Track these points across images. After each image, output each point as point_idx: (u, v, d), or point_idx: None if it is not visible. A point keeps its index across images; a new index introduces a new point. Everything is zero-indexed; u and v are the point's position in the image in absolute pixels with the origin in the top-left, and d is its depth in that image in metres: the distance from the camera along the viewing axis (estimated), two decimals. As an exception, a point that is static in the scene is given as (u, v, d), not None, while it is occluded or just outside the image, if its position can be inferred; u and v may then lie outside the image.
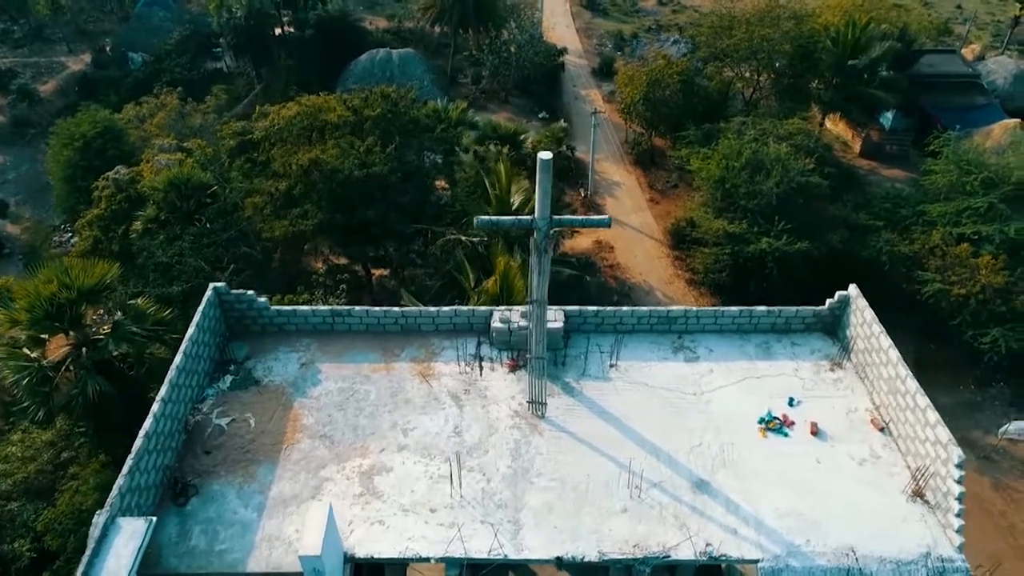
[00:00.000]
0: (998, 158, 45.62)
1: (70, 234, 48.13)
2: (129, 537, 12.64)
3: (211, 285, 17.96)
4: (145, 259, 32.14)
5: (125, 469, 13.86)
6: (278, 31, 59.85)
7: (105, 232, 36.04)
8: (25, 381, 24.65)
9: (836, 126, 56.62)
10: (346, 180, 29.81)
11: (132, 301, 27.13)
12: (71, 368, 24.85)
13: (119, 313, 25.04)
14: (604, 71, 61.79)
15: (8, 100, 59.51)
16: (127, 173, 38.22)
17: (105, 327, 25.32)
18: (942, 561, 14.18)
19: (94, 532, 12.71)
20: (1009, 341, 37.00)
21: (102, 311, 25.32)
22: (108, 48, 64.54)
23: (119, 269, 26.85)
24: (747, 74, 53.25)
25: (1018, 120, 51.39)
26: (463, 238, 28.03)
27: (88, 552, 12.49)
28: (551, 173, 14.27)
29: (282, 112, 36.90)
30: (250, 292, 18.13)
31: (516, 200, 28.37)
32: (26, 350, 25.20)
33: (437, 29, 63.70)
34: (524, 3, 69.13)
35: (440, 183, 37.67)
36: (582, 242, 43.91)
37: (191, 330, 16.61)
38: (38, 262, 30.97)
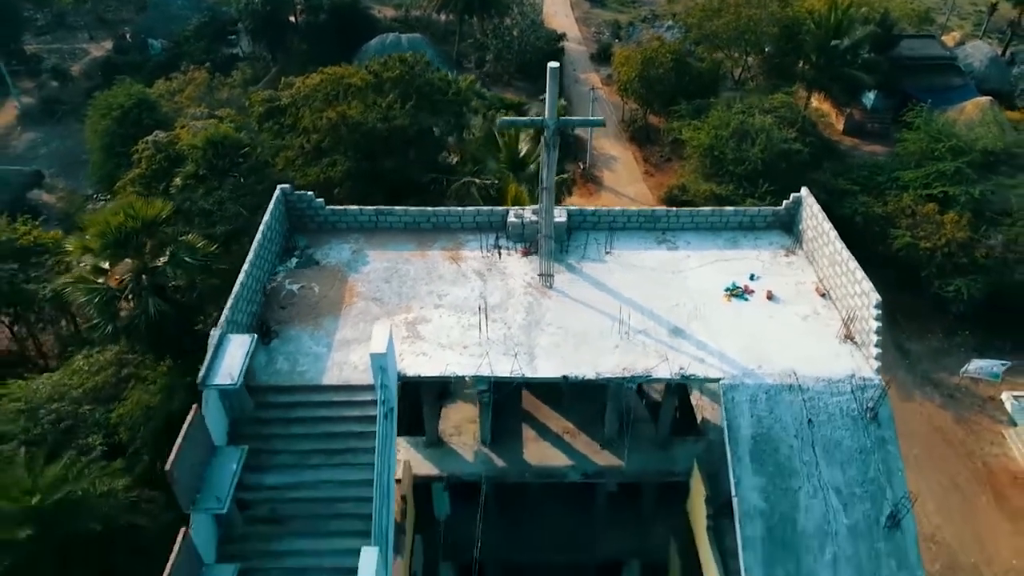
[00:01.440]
0: (968, 130, 50.54)
1: (103, 202, 52.64)
2: (238, 346, 17.13)
3: (279, 186, 22.52)
4: (188, 207, 36.54)
5: (228, 305, 18.34)
6: (292, 18, 64.58)
7: (147, 189, 40.45)
8: (96, 301, 29.11)
9: (821, 105, 61.39)
10: (369, 132, 34.40)
11: (183, 237, 31.65)
12: (130, 296, 29.35)
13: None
14: (601, 56, 66.68)
15: (36, 83, 64.08)
16: (165, 136, 42.70)
17: (162, 258, 29.79)
18: (863, 380, 18.72)
19: (212, 343, 17.18)
20: (971, 289, 41.66)
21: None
22: (128, 35, 69.30)
23: (171, 208, 31.50)
24: (736, 55, 58.07)
25: (990, 98, 56.26)
26: (476, 181, 32.56)
27: (208, 356, 16.96)
28: (558, 81, 18.89)
29: (307, 81, 41.51)
30: (309, 192, 22.70)
31: (523, 148, 33.01)
32: (91, 278, 29.78)
33: (443, 17, 68.53)
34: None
35: (450, 148, 42.20)
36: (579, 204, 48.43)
37: (265, 218, 21.15)
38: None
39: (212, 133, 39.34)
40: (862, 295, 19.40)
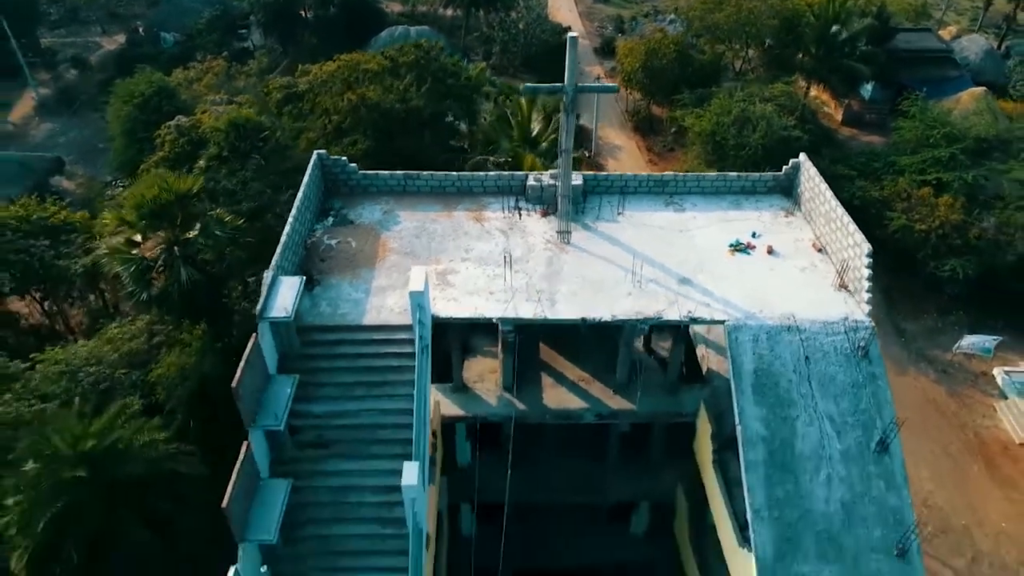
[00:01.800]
0: (963, 119, 52.69)
1: (121, 188, 54.59)
2: (289, 286, 19.16)
3: (315, 152, 24.57)
4: (213, 187, 38.54)
5: (277, 253, 20.35)
6: (303, 12, 66.67)
7: (171, 171, 42.47)
8: (131, 271, 31.15)
9: (820, 96, 63.53)
10: (387, 113, 36.46)
11: (211, 212, 33.63)
12: (162, 266, 31.31)
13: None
14: (605, 50, 68.82)
15: (52, 75, 66.11)
16: (187, 120, 44.71)
17: (193, 231, 31.72)
18: (855, 322, 20.77)
19: (265, 283, 19.19)
20: (965, 269, 43.67)
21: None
22: (141, 29, 71.36)
23: (202, 183, 33.55)
24: (736, 47, 60.21)
25: (984, 88, 58.43)
26: (491, 159, 34.59)
27: (263, 295, 18.97)
28: (577, 49, 20.98)
29: (323, 68, 43.59)
30: (343, 158, 24.75)
31: (536, 128, 35.09)
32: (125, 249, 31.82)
33: (450, 12, 70.67)
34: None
35: (462, 134, 44.18)
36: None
37: (304, 180, 23.17)
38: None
39: (235, 116, 41.40)
40: (855, 246, 21.44)
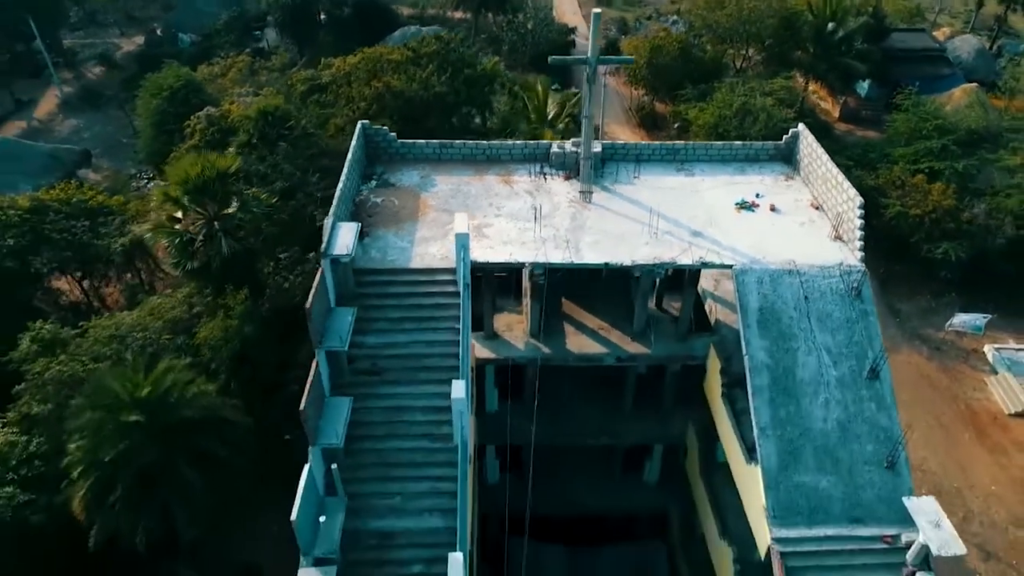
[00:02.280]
0: (955, 113, 55.78)
1: (146, 180, 57.50)
2: (347, 230, 21.95)
3: (360, 123, 27.40)
4: (247, 169, 41.35)
5: (333, 204, 23.10)
6: (319, 13, 69.80)
7: (205, 156, 45.25)
8: (176, 242, 33.98)
9: (818, 92, 66.62)
10: (411, 99, 39.33)
11: (247, 191, 36.41)
12: (203, 239, 34.05)
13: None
14: (610, 51, 71.83)
15: (74, 74, 69.08)
16: (217, 111, 47.57)
17: (231, 206, 34.46)
18: (849, 267, 23.58)
19: (326, 228, 21.94)
20: (957, 251, 46.44)
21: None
22: (158, 30, 74.44)
23: (239, 163, 36.47)
24: (737, 45, 63.36)
25: (976, 84, 61.57)
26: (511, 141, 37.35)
27: (326, 237, 21.72)
28: (600, 23, 23.85)
29: (347, 60, 46.55)
30: (384, 127, 27.58)
31: (551, 111, 37.99)
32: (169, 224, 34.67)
33: (459, 14, 73.85)
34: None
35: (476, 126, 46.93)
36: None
37: (352, 145, 25.95)
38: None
39: (264, 104, 44.32)
40: (848, 201, 24.29)
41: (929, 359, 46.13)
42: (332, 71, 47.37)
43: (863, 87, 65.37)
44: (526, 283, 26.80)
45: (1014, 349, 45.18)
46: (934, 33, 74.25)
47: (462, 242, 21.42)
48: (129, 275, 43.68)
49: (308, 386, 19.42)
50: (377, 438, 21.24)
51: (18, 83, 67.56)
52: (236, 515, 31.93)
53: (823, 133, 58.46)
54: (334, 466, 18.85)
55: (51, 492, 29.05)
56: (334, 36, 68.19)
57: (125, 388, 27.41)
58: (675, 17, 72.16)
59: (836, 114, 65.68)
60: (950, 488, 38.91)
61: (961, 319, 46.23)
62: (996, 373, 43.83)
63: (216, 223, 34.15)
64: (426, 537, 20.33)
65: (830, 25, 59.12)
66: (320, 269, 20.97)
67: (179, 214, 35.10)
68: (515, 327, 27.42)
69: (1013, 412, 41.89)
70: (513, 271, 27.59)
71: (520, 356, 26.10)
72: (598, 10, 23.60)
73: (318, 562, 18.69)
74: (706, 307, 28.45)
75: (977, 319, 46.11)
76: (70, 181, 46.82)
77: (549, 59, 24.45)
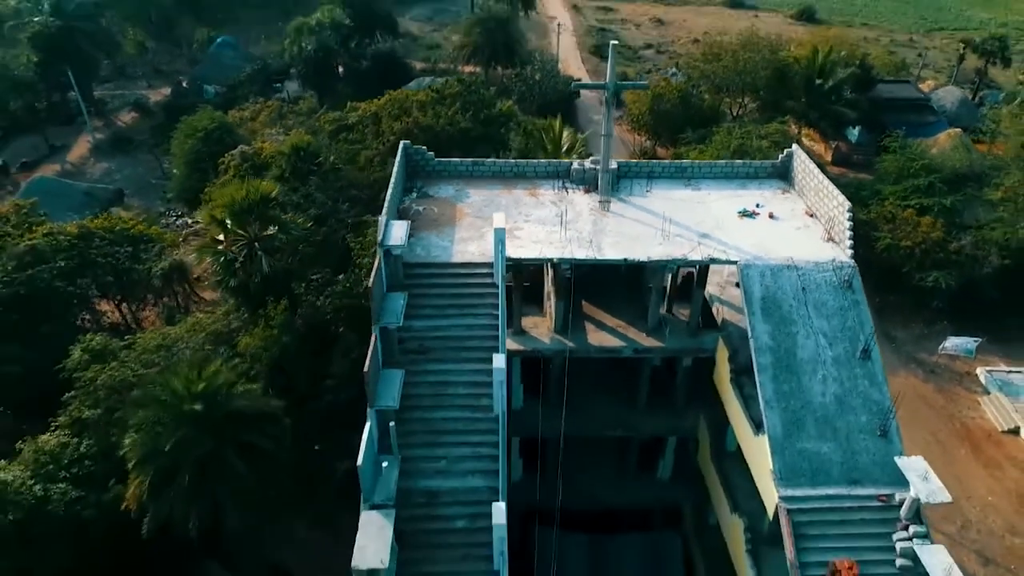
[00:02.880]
0: (941, 155, 59.91)
1: (175, 217, 61.08)
2: (400, 226, 25.24)
3: (402, 143, 30.95)
4: (282, 199, 44.87)
5: (384, 208, 26.40)
6: (338, 67, 74.61)
7: (238, 191, 48.78)
8: (220, 261, 37.28)
9: (811, 136, 70.97)
10: (438, 133, 43.11)
11: (285, 216, 39.82)
12: (243, 259, 37.30)
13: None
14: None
15: (103, 122, 73.38)
16: (250, 148, 51.41)
17: (271, 229, 37.83)
18: (841, 263, 26.84)
19: (381, 225, 25.20)
20: (946, 280, 49.75)
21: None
22: (184, 82, 79.13)
23: (279, 189, 39.99)
24: (733, 94, 67.89)
25: (960, 129, 65.94)
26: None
27: (381, 230, 24.95)
28: (615, 54, 27.58)
29: (374, 102, 50.64)
30: (423, 147, 31.12)
31: (566, 144, 41.74)
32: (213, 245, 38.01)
33: (469, 67, 78.66)
34: (542, 48, 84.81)
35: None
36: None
37: (397, 160, 29.43)
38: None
39: (297, 141, 48.16)
40: (838, 207, 27.69)
41: (925, 381, 48.95)
42: (359, 112, 51.37)
43: (853, 133, 69.77)
44: (549, 287, 29.95)
45: (1005, 371, 48.07)
46: (920, 86, 79.19)
47: (499, 236, 24.67)
48: (166, 298, 46.77)
49: (368, 357, 22.40)
50: (424, 408, 24.09)
51: (51, 130, 71.74)
52: (276, 512, 34.25)
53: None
54: (392, 423, 21.67)
55: (100, 490, 31.48)
56: (353, 87, 72.62)
57: (182, 383, 30.20)
58: (674, 70, 77.01)
59: (829, 158, 69.79)
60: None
61: (953, 343, 49.14)
62: (988, 393, 46.60)
63: (257, 244, 37.40)
64: (469, 495, 23.04)
65: (820, 77, 63.70)
66: (376, 259, 24.13)
67: (221, 236, 38.38)
68: (540, 326, 30.44)
69: (1006, 429, 44.53)
70: (538, 282, 30.84)
71: (546, 349, 29.07)
72: (615, 41, 27.37)
73: (376, 508, 21.29)
74: (713, 310, 31.52)
75: (968, 343, 49.01)
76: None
77: (572, 85, 28.18)
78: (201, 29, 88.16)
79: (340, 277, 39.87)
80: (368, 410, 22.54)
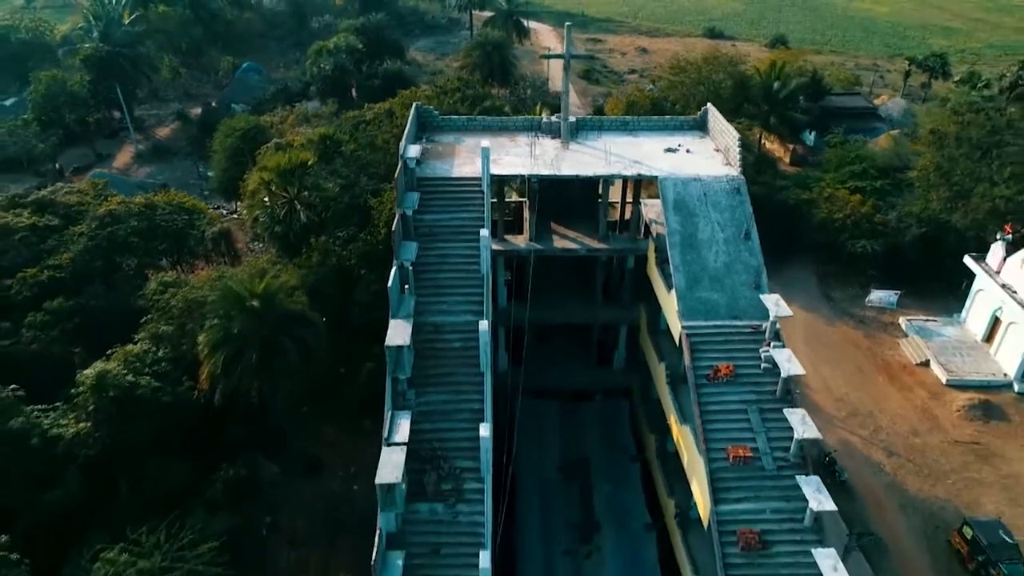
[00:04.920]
0: (878, 150, 72.51)
1: (214, 208, 73.43)
2: (415, 148, 37.55)
3: (414, 104, 43.39)
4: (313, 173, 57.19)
5: (403, 141, 38.67)
6: (351, 85, 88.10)
7: (274, 174, 61.05)
8: (268, 213, 49.55)
9: (772, 145, 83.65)
10: (441, 120, 55.78)
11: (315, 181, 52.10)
12: (286, 214, 49.55)
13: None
14: (598, 113, 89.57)
15: (143, 136, 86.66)
16: (283, 140, 64.05)
17: (307, 191, 50.13)
18: (733, 177, 38.99)
19: (402, 148, 37.43)
20: (873, 246, 61.49)
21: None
22: (213, 102, 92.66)
23: (315, 159, 52.45)
24: (698, 102, 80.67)
25: (898, 131, 78.62)
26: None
27: (401, 150, 37.19)
28: (571, 33, 40.21)
29: (387, 102, 63.49)
30: (430, 107, 43.59)
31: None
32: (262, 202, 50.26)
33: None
34: (535, 73, 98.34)
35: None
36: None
37: (410, 117, 41.80)
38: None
39: (324, 131, 60.81)
40: (733, 140, 39.99)
41: (855, 329, 60.49)
42: (375, 110, 64.20)
43: (809, 138, 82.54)
44: (526, 213, 42.05)
45: (922, 319, 59.53)
46: (875, 100, 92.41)
47: (485, 154, 36.92)
48: (214, 260, 58.85)
49: (395, 224, 34.44)
50: (432, 271, 36.00)
51: (98, 141, 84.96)
52: (315, 396, 45.51)
53: (771, 166, 75.16)
54: (409, 264, 33.52)
55: (174, 384, 42.56)
56: (366, 102, 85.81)
57: (245, 287, 41.90)
58: (651, 86, 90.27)
59: (787, 159, 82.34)
60: (864, 411, 52.44)
61: (877, 295, 60.98)
62: (907, 336, 57.92)
63: (296, 201, 49.75)
64: (463, 326, 34.75)
65: (775, 85, 76.73)
66: (398, 168, 36.38)
67: (266, 199, 50.63)
68: (519, 239, 42.54)
69: (918, 362, 55.79)
70: (519, 216, 43.05)
71: (523, 249, 41.13)
72: (569, 23, 40.06)
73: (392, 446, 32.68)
74: (651, 230, 43.55)
75: (890, 295, 60.84)
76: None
77: (540, 55, 40.66)
78: (226, 58, 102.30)
79: (362, 234, 51.78)
80: (394, 263, 34.36)
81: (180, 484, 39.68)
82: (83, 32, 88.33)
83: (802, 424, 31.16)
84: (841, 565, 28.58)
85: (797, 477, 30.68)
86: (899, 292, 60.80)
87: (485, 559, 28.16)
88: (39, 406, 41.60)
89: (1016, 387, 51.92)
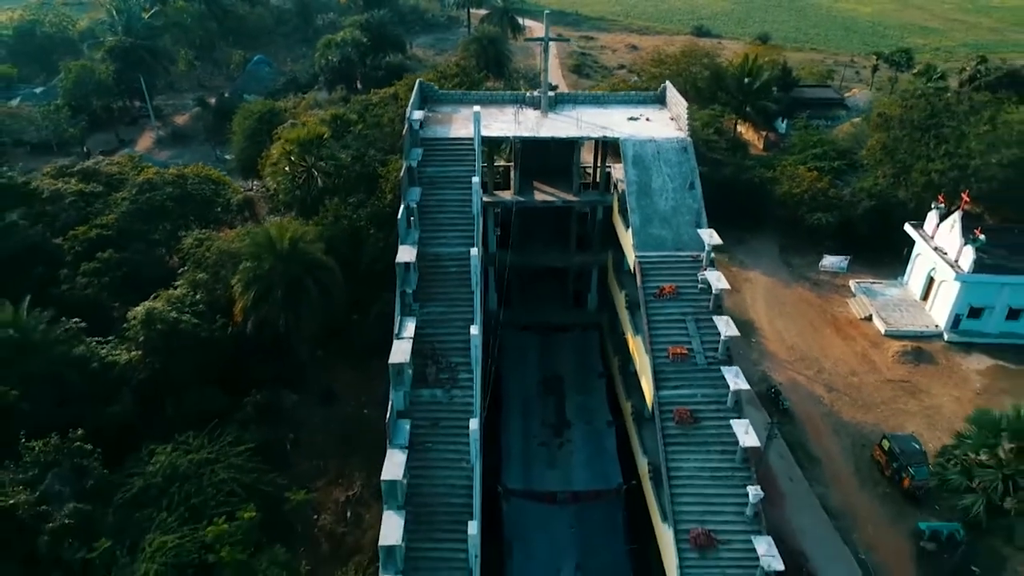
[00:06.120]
0: (841, 135, 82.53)
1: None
2: (418, 112, 47.29)
3: (417, 79, 53.21)
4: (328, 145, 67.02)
5: (408, 108, 48.49)
6: (356, 77, 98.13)
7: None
8: (289, 180, 59.41)
9: (747, 132, 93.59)
10: (440, 100, 65.71)
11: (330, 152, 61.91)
12: (302, 179, 59.40)
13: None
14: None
15: (162, 123, 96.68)
16: (297, 121, 73.88)
17: (323, 161, 59.96)
18: (682, 139, 48.85)
19: (408, 112, 47.22)
20: (828, 218, 71.22)
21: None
22: (226, 93, 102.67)
23: (329, 132, 62.35)
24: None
25: (859, 119, 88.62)
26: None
27: (407, 115, 46.99)
28: (550, 21, 50.03)
29: (389, 88, 73.48)
30: (431, 83, 53.40)
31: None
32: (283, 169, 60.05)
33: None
34: (529, 67, 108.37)
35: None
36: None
37: (414, 91, 51.57)
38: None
39: (335, 112, 70.69)
40: (684, 109, 49.73)
41: (810, 291, 70.14)
42: (381, 94, 74.14)
43: (782, 126, 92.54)
44: (512, 173, 51.80)
45: (869, 282, 69.15)
46: (848, 93, 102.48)
47: (477, 117, 46.70)
48: (238, 225, 68.55)
49: (403, 174, 44.20)
50: (432, 210, 45.70)
51: (120, 127, 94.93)
52: (333, 329, 54.87)
53: (743, 149, 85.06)
54: (413, 205, 43.23)
55: (210, 322, 51.88)
56: (369, 92, 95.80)
57: (274, 234, 51.50)
58: (636, 79, 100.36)
59: (760, 145, 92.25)
60: (811, 356, 62.00)
61: (829, 260, 70.72)
62: (855, 296, 67.54)
63: (314, 169, 59.55)
64: (457, 256, 44.34)
65: (747, 77, 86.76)
66: (404, 129, 46.20)
67: (287, 167, 60.34)
68: (506, 194, 52.35)
69: (862, 317, 65.39)
70: (506, 178, 52.94)
71: (509, 201, 50.93)
72: (548, 11, 49.91)
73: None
74: (617, 187, 53.23)
75: (841, 261, 70.55)
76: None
77: (524, 39, 50.55)
78: (237, 52, 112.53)
79: (371, 199, 61.38)
80: (401, 206, 44.02)
81: (216, 407, 48.34)
82: (106, 26, 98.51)
83: (727, 327, 40.80)
84: (752, 430, 38.14)
85: (722, 368, 40.23)
86: (848, 257, 70.45)
87: (474, 423, 37.65)
88: (96, 338, 50.88)
89: (945, 336, 61.29)
